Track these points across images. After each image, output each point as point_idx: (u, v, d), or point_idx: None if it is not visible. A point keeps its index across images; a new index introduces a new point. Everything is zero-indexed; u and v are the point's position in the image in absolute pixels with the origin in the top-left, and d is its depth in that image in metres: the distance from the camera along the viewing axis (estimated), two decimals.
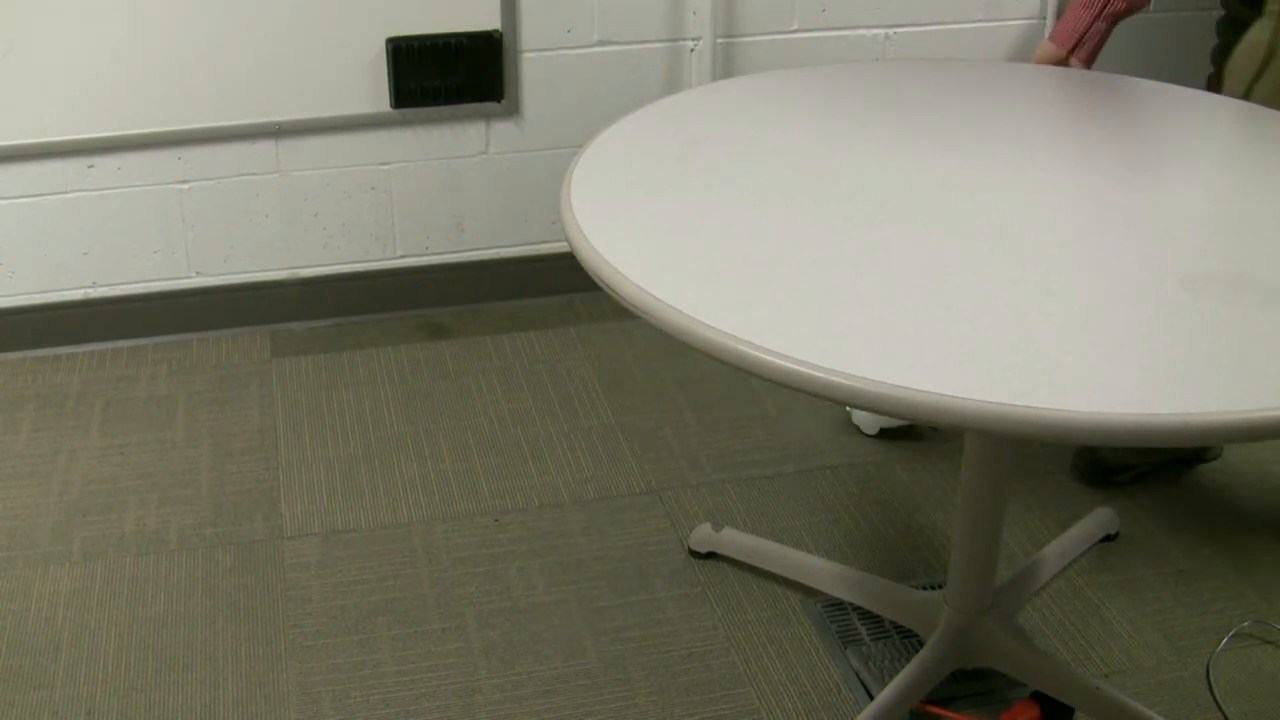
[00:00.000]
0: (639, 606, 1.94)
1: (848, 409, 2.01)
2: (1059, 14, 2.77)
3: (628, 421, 2.37)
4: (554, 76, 2.61)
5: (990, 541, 1.70)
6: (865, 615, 1.92)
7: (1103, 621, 1.92)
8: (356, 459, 2.27)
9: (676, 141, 1.59)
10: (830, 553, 2.05)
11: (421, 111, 2.57)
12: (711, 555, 2.03)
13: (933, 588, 1.95)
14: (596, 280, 1.31)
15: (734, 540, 2.02)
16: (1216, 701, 1.77)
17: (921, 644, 1.81)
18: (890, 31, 2.73)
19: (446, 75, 2.54)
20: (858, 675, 1.81)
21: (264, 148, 2.54)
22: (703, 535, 2.03)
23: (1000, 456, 1.64)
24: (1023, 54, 2.81)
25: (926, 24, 2.74)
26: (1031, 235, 1.36)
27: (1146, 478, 2.19)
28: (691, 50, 2.65)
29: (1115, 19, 1.88)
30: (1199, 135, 1.63)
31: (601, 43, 2.61)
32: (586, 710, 1.76)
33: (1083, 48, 1.89)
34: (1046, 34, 2.78)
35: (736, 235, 1.36)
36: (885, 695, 1.68)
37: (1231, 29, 2.36)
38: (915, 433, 2.32)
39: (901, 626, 1.89)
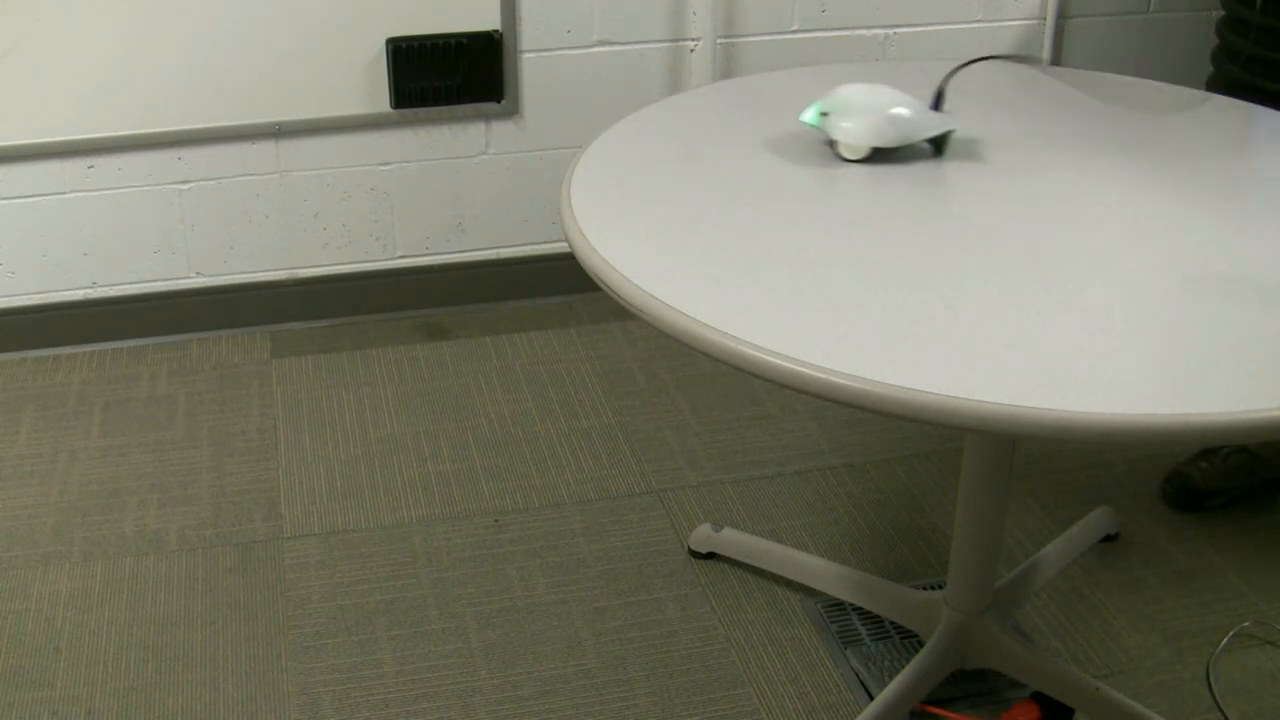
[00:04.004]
0: (639, 606, 1.94)
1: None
2: (1059, 14, 2.77)
3: (628, 421, 2.37)
4: (554, 76, 2.61)
5: (990, 541, 1.70)
6: (865, 615, 1.92)
7: (1103, 621, 1.92)
8: (356, 459, 2.27)
9: (677, 142, 1.59)
10: (830, 553, 2.05)
11: (421, 112, 2.57)
12: (711, 555, 2.03)
13: (933, 588, 1.95)
14: (597, 281, 1.31)
15: (734, 540, 2.02)
16: (1216, 701, 1.78)
17: (921, 644, 1.81)
18: (890, 32, 2.73)
19: (446, 75, 2.54)
20: (858, 675, 1.81)
21: (264, 148, 2.54)
22: (703, 535, 2.03)
23: (1000, 456, 1.64)
24: (1022, 54, 2.81)
25: (926, 24, 2.74)
26: (1032, 235, 1.36)
27: (1239, 502, 2.15)
28: (691, 50, 2.66)
29: None
30: (1199, 135, 1.63)
31: (601, 43, 2.61)
32: (586, 710, 1.76)
33: None
34: (1046, 34, 2.79)
35: (736, 236, 1.36)
36: (885, 695, 1.68)
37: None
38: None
39: (901, 626, 1.89)
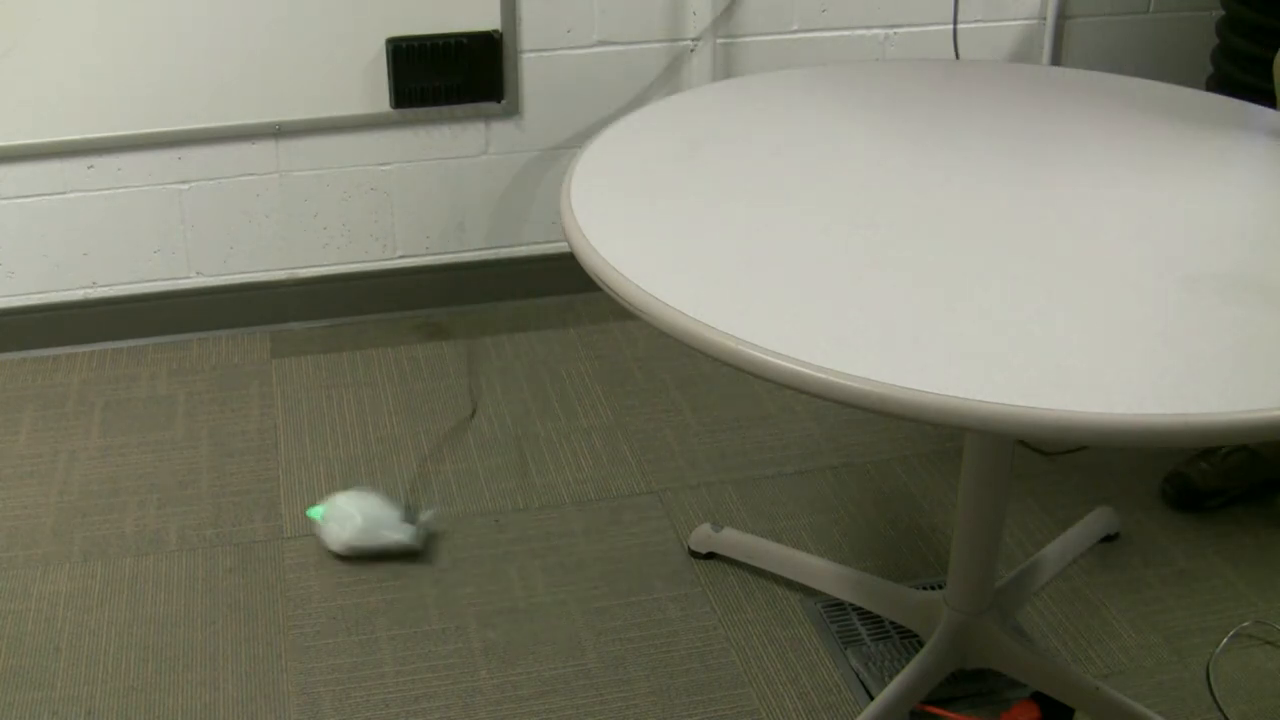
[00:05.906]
0: (639, 606, 1.94)
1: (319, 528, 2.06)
2: (1059, 14, 2.77)
3: (628, 421, 2.37)
4: (554, 76, 2.61)
5: (990, 541, 1.70)
6: (865, 615, 1.92)
7: (1103, 621, 1.92)
8: (356, 459, 2.27)
9: (676, 142, 1.59)
10: (830, 553, 2.05)
11: (421, 112, 2.57)
12: (711, 555, 2.03)
13: (933, 588, 1.95)
14: (597, 281, 1.31)
15: (734, 540, 2.02)
16: (1216, 701, 1.78)
17: (921, 644, 1.81)
18: (890, 32, 2.73)
19: (446, 75, 2.54)
20: (858, 675, 1.81)
21: (264, 148, 2.54)
22: (703, 535, 2.03)
23: (1000, 456, 1.64)
24: (1022, 54, 2.81)
25: (926, 24, 2.74)
26: (1032, 235, 1.36)
27: (1238, 502, 2.15)
28: (691, 50, 2.66)
29: None
30: (1198, 136, 1.63)
31: (601, 43, 2.61)
32: (586, 710, 1.76)
33: None
34: (1046, 34, 2.79)
35: (736, 235, 1.36)
36: (885, 695, 1.68)
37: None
38: None
39: (901, 626, 1.89)
